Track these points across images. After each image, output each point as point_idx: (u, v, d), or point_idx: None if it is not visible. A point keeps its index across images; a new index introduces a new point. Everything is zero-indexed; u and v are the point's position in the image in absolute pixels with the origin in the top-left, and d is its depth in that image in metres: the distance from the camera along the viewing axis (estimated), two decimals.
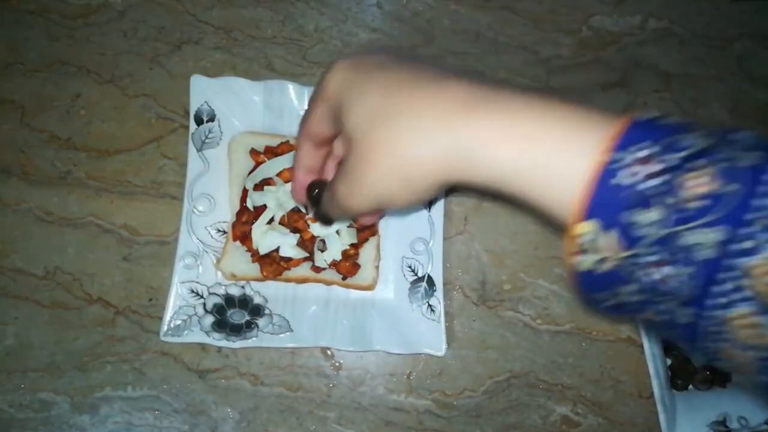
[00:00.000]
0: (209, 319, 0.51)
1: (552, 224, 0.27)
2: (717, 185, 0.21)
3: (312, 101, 0.33)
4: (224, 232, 0.53)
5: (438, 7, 0.62)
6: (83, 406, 0.50)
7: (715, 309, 0.22)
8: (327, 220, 0.47)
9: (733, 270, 0.21)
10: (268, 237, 0.51)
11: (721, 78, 0.63)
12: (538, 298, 0.56)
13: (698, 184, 0.22)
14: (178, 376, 0.52)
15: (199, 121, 0.53)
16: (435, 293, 0.53)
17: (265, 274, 0.51)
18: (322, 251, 0.51)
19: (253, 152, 0.53)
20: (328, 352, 0.53)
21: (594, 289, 0.26)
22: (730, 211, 0.21)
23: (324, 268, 0.52)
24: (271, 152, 0.53)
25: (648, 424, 0.54)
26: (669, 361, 0.56)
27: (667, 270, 0.22)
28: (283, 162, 0.52)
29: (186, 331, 0.50)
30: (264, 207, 0.51)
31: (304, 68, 0.59)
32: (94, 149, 0.55)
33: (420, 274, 0.53)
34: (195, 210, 0.52)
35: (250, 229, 0.51)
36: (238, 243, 0.52)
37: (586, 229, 0.24)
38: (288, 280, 0.52)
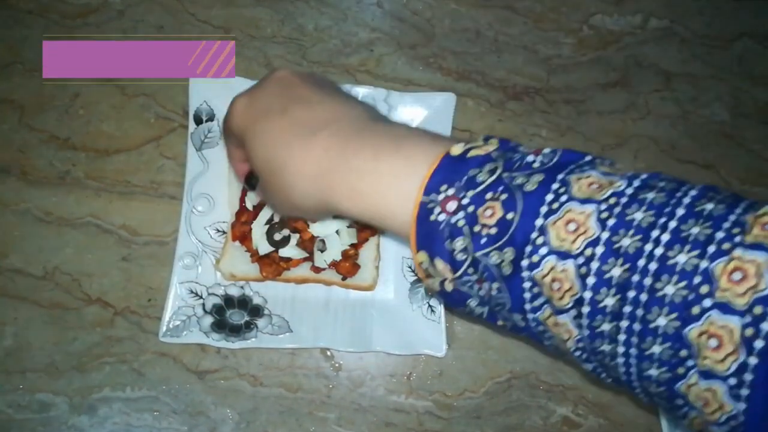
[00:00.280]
0: (208, 320, 0.50)
1: None
2: (502, 213, 0.25)
3: (223, 125, 0.39)
4: (223, 232, 0.53)
5: (438, 6, 0.61)
6: (82, 406, 0.50)
7: (533, 312, 0.26)
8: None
9: (529, 281, 0.25)
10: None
11: (721, 77, 0.63)
12: None
13: (490, 214, 0.26)
14: (177, 376, 0.51)
15: (198, 121, 0.53)
16: None
17: (264, 274, 0.51)
18: (322, 251, 0.51)
19: None
20: (328, 353, 0.53)
21: (452, 304, 0.30)
22: (513, 232, 0.25)
23: (324, 269, 0.52)
24: None
25: (649, 426, 0.54)
26: None
27: (486, 286, 0.27)
28: None
29: (185, 332, 0.50)
30: (263, 206, 0.51)
31: (304, 68, 0.59)
32: (93, 149, 0.55)
33: None
34: (194, 210, 0.52)
35: (250, 229, 0.51)
36: (237, 243, 0.51)
37: (421, 258, 0.29)
38: (287, 281, 0.52)
